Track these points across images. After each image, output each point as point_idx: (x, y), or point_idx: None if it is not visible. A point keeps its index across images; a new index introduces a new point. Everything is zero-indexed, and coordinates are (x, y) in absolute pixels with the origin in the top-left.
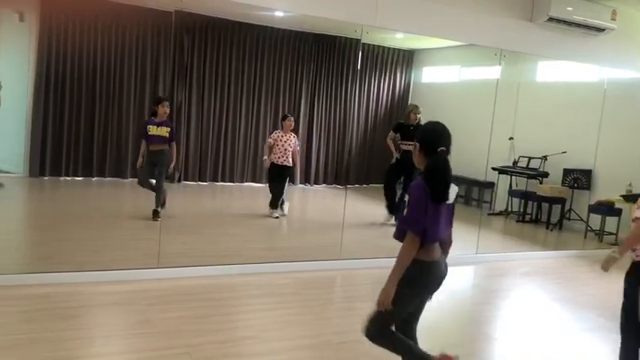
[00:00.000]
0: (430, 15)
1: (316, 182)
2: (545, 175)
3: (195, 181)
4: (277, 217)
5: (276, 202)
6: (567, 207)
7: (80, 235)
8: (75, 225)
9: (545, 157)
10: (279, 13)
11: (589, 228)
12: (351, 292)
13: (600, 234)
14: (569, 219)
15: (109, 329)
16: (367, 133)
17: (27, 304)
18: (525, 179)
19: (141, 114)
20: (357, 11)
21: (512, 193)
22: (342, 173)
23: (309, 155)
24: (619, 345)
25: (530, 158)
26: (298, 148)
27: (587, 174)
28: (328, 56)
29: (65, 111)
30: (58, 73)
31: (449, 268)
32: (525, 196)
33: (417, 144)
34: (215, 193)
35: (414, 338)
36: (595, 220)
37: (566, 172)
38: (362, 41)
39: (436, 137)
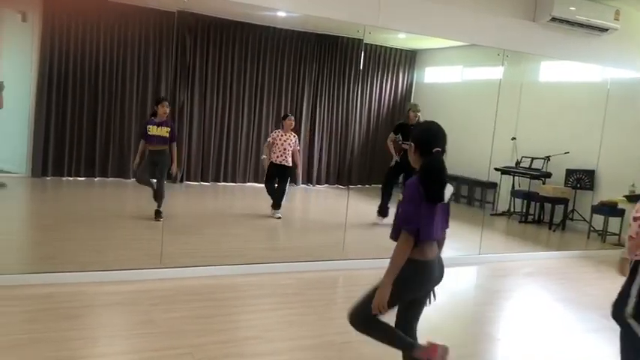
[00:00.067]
0: (433, 15)
1: (318, 182)
2: (548, 175)
3: (197, 181)
4: (279, 218)
5: (277, 203)
6: (570, 207)
7: (83, 236)
8: (77, 225)
9: (547, 158)
10: (281, 14)
11: (592, 228)
12: (354, 293)
13: (603, 234)
14: (572, 219)
15: (111, 329)
16: (369, 133)
17: (30, 304)
18: (528, 179)
19: (143, 114)
20: (360, 11)
21: (514, 193)
22: (344, 173)
23: (311, 155)
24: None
25: (532, 158)
26: (299, 147)
27: (590, 174)
28: (331, 56)
29: (68, 111)
30: (61, 73)
31: (451, 269)
32: (528, 196)
33: (412, 144)
34: (217, 194)
35: (414, 338)
36: (598, 220)
37: (569, 172)
38: (364, 41)
39: (431, 137)
